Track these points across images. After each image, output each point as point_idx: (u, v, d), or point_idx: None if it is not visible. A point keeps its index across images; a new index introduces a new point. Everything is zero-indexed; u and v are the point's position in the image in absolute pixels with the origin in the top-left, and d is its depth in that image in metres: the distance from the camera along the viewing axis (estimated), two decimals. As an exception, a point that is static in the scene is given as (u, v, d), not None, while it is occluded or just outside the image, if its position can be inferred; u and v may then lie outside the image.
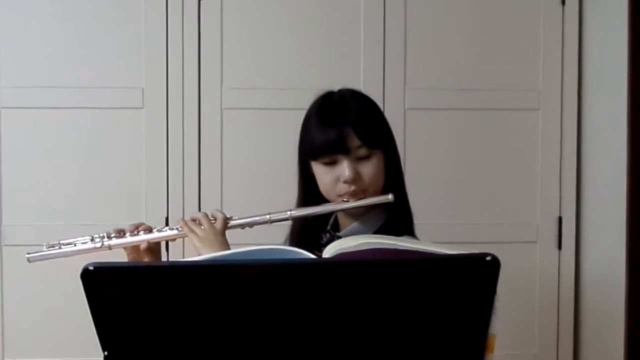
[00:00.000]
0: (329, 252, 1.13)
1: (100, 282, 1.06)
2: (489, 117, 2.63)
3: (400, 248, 1.12)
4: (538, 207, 2.65)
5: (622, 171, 2.57)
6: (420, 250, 1.12)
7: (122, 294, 1.07)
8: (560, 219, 2.65)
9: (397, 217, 1.69)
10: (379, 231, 1.67)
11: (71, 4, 2.55)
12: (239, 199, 2.56)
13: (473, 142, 2.63)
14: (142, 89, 2.56)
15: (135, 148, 2.56)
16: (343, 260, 1.10)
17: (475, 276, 1.08)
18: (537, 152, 2.64)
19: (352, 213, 1.69)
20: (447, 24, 2.62)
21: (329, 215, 1.75)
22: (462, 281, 1.08)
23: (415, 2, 2.59)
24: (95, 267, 1.05)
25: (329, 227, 1.74)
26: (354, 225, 1.70)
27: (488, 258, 1.07)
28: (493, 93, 2.62)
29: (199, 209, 2.55)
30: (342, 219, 1.74)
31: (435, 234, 2.52)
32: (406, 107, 2.60)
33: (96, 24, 2.55)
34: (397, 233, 1.61)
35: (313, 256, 1.13)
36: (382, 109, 2.53)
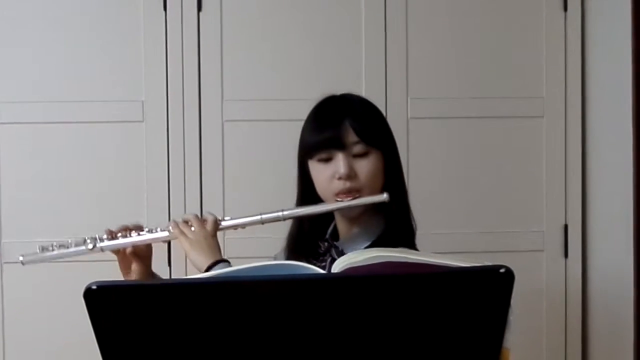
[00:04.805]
0: (337, 266, 1.11)
1: (103, 301, 1.04)
2: (493, 125, 2.61)
3: (411, 261, 1.09)
4: (544, 215, 2.63)
5: (628, 178, 2.55)
6: (432, 263, 1.10)
7: (126, 312, 1.05)
8: (566, 226, 2.63)
9: (397, 225, 1.64)
10: (378, 239, 1.62)
11: (69, 18, 2.53)
12: (241, 211, 2.52)
13: (477, 151, 2.61)
14: (142, 101, 2.54)
15: (135, 161, 2.54)
16: (352, 275, 1.07)
17: (489, 289, 1.06)
18: (542, 159, 2.62)
19: (349, 217, 1.65)
20: (449, 32, 2.60)
21: (327, 223, 1.72)
22: (475, 294, 1.06)
23: (417, 11, 2.58)
24: (98, 286, 1.03)
25: (327, 236, 1.70)
26: (353, 233, 1.66)
27: (502, 270, 1.04)
28: (496, 101, 2.60)
29: (201, 223, 2.53)
30: (340, 226, 1.70)
31: (440, 244, 2.50)
32: (409, 116, 2.58)
33: (95, 37, 2.53)
34: (397, 241, 1.57)
35: (322, 271, 1.10)
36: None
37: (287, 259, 1.69)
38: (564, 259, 2.64)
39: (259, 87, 2.57)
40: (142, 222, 2.47)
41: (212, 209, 2.52)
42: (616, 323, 2.58)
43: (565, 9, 2.60)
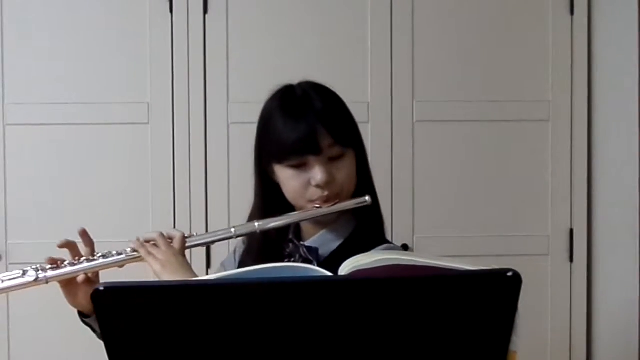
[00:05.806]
0: (344, 269, 1.10)
1: (111, 303, 1.04)
2: (499, 129, 2.60)
3: (419, 264, 1.09)
4: (549, 219, 2.62)
5: (634, 182, 2.55)
6: (439, 266, 1.09)
7: (134, 314, 1.05)
8: (571, 231, 2.62)
9: (368, 223, 1.57)
10: (350, 239, 1.56)
11: (76, 20, 2.53)
12: (247, 214, 2.52)
13: (482, 154, 2.61)
14: (148, 104, 2.54)
15: (141, 164, 2.54)
16: (360, 278, 1.07)
17: (496, 293, 1.05)
18: (548, 163, 2.61)
19: (321, 220, 1.55)
20: (455, 35, 2.60)
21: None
22: (482, 298, 1.05)
23: (422, 14, 2.57)
24: (105, 287, 1.03)
25: (291, 236, 1.59)
26: (322, 233, 1.57)
27: (509, 274, 1.03)
28: (502, 104, 2.60)
29: (206, 225, 2.53)
30: (306, 226, 1.59)
31: (445, 247, 2.51)
32: (415, 119, 2.57)
33: (101, 39, 2.54)
34: (369, 240, 1.52)
35: (329, 273, 1.10)
36: (390, 121, 2.56)
37: (247, 263, 1.56)
38: (569, 263, 2.63)
39: (264, 89, 2.53)
40: (147, 224, 2.52)
41: (217, 210, 2.54)
42: (622, 327, 2.57)
43: (572, 12, 2.60)
